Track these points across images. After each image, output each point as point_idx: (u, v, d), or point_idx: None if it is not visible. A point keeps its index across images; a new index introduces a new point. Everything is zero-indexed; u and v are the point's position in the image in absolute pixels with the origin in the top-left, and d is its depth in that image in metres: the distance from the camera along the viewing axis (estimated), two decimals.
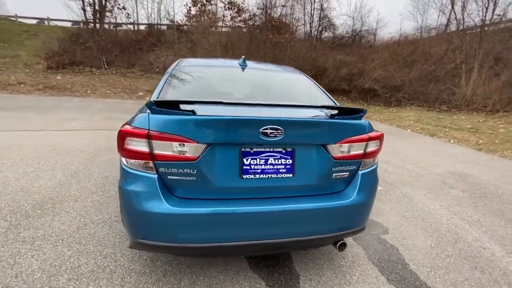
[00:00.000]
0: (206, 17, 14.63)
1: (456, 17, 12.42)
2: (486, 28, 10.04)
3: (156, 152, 1.35)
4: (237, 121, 1.40)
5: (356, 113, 1.61)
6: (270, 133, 1.40)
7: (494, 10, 10.47)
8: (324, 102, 2.01)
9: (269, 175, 1.49)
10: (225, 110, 1.49)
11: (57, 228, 2.31)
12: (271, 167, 1.49)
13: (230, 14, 15.17)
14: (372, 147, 1.67)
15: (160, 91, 1.77)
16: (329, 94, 2.21)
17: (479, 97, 9.93)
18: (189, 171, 1.39)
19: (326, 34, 19.06)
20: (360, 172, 1.66)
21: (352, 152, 1.61)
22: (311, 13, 18.83)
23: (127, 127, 1.38)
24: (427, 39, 14.08)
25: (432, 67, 11.78)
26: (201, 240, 1.42)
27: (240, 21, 15.28)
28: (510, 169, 4.61)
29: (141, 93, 10.43)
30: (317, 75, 14.61)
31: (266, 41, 13.86)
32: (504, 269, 2.14)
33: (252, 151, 1.46)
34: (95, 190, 3.00)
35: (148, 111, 1.39)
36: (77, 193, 2.91)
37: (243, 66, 2.34)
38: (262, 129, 1.39)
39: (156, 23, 16.42)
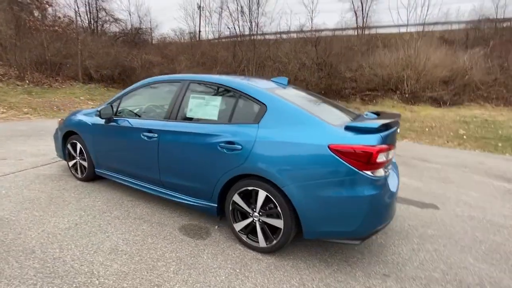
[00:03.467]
0: None
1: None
2: (253, 38, 14.31)
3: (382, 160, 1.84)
4: None
5: None
6: None
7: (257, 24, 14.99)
8: None
9: None
10: None
11: None
12: None
13: None
14: None
15: None
16: None
17: None
18: None
19: (111, 29, 17.30)
20: None
21: None
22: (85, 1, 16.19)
23: (375, 146, 1.74)
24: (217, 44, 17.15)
25: (228, 69, 14.86)
26: None
27: None
28: None
29: None
30: (125, 75, 13.49)
31: (31, 26, 10.66)
32: None
33: None
34: None
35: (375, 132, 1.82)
36: None
37: None
38: None
39: None
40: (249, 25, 15.24)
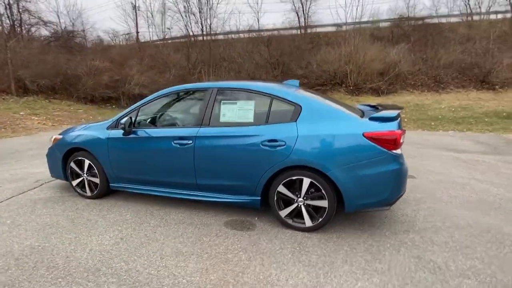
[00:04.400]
0: None
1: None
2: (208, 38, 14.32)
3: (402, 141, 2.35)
4: None
5: None
6: None
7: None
8: None
9: None
10: None
11: None
12: None
13: None
14: None
15: None
16: None
17: None
18: None
19: (41, 33, 15.30)
20: None
21: None
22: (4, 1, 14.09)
23: (397, 131, 2.23)
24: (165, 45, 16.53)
25: (182, 71, 14.56)
26: None
27: None
28: None
29: None
30: (68, 84, 12.26)
31: None
32: None
33: None
34: None
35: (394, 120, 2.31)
36: None
37: None
38: None
39: None
40: (201, 26, 15.15)
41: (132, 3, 22.59)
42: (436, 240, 2.40)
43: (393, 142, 2.26)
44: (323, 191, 2.39)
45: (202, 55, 14.60)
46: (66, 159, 3.33)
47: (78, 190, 3.36)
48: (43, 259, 2.19)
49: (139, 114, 3.02)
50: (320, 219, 2.46)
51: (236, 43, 16.60)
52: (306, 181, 2.42)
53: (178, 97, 3.08)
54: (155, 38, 20.12)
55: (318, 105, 2.50)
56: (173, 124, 3.01)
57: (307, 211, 2.48)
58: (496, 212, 2.90)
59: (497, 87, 12.43)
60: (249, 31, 18.51)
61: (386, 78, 14.28)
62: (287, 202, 2.55)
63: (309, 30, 19.14)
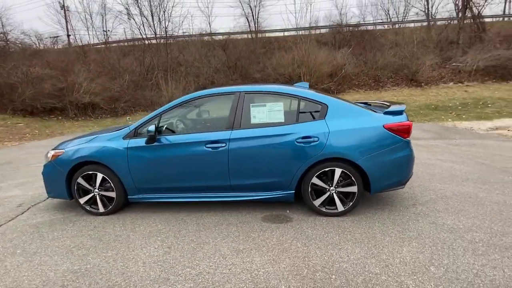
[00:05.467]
0: None
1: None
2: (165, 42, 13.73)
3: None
4: None
5: None
6: None
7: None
8: None
9: None
10: None
11: None
12: None
13: None
14: None
15: None
16: None
17: (176, 98, 13.86)
18: None
19: None
20: None
21: None
22: None
23: (409, 122, 2.67)
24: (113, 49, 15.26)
25: (137, 77, 13.70)
26: None
27: None
28: None
29: None
30: (0, 94, 10.57)
31: None
32: None
33: None
34: None
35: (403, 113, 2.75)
36: None
37: None
38: None
39: None
40: (154, 29, 14.48)
41: (60, 2, 20.37)
42: (438, 208, 2.95)
43: (407, 131, 2.72)
44: (353, 178, 2.73)
45: (157, 60, 13.97)
46: (70, 175, 3.04)
47: (87, 207, 3.09)
48: (96, 280, 2.05)
49: (161, 121, 2.96)
50: (350, 203, 2.80)
51: (190, 46, 16.33)
52: (338, 171, 2.73)
53: (203, 102, 3.10)
54: (96, 41, 18.48)
55: (341, 103, 2.85)
56: (201, 129, 3.02)
57: (339, 197, 2.80)
58: (468, 182, 3.64)
59: (423, 84, 14.78)
60: (201, 34, 18.38)
61: (335, 79, 15.71)
62: (320, 192, 2.82)
63: (260, 35, 19.84)
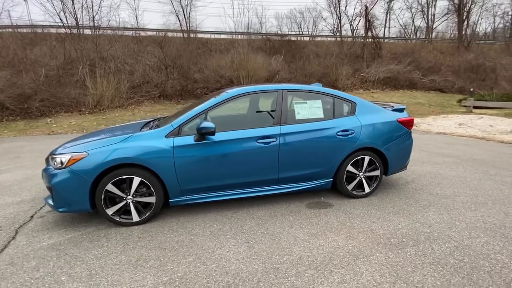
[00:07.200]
0: None
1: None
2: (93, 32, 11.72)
3: None
4: None
5: None
6: None
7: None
8: None
9: None
10: None
11: None
12: None
13: None
14: None
15: None
16: None
17: (107, 97, 12.25)
18: None
19: None
20: None
21: None
22: None
23: (410, 117, 3.39)
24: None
25: (56, 71, 11.36)
26: None
27: None
28: None
29: None
30: None
31: None
32: None
33: None
34: None
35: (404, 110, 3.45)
36: None
37: None
38: None
39: None
40: (75, 17, 12.29)
41: None
42: (426, 183, 3.82)
43: (412, 124, 3.48)
44: (377, 164, 3.29)
45: (80, 53, 11.93)
46: (96, 183, 2.58)
47: (117, 218, 2.68)
48: (203, 283, 1.93)
49: (207, 118, 2.84)
50: (374, 185, 3.36)
51: (118, 41, 14.61)
52: (367, 159, 3.24)
53: (246, 98, 3.09)
54: None
55: (365, 102, 3.37)
56: (246, 125, 3.01)
57: (366, 181, 3.31)
58: (426, 164, 4.77)
59: (341, 90, 17.46)
60: (133, 29, 16.70)
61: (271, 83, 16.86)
62: (351, 177, 3.28)
63: (193, 35, 19.38)
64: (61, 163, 2.57)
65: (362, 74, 18.93)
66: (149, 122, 3.53)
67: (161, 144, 2.68)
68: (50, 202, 2.69)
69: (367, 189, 3.33)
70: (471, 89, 13.24)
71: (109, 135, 2.89)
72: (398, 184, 3.83)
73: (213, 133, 2.68)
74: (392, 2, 25.13)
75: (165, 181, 2.70)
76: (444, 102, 15.21)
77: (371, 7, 21.22)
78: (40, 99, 10.53)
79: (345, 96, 3.32)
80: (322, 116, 3.16)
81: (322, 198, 3.36)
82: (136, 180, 2.65)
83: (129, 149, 2.62)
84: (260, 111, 3.24)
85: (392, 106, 3.62)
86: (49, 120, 10.00)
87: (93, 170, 2.54)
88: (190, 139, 2.73)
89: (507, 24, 25.63)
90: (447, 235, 2.52)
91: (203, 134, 2.69)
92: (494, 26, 28.05)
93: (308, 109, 3.15)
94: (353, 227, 2.67)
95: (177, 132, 2.75)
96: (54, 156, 2.66)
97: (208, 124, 2.65)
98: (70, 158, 2.56)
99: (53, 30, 13.26)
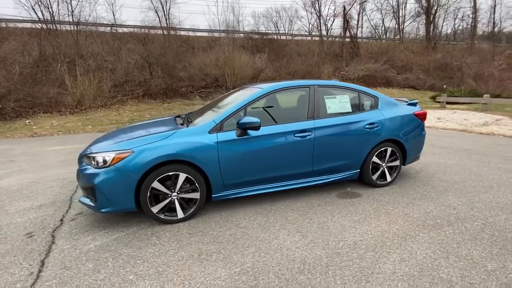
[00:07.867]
0: None
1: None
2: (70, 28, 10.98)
3: None
4: None
5: None
6: None
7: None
8: None
9: None
10: None
11: None
12: None
13: None
14: None
15: None
16: None
17: (88, 97, 11.63)
18: None
19: None
20: None
21: None
22: None
23: (424, 111, 3.65)
24: None
25: (31, 69, 10.54)
26: None
27: None
28: None
29: None
30: None
31: None
32: None
33: None
34: None
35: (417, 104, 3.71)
36: None
37: None
38: None
39: None
40: (51, 11, 11.45)
41: None
42: (432, 171, 4.15)
43: (425, 117, 3.76)
44: (397, 154, 3.53)
45: (58, 49, 11.15)
46: (141, 181, 2.53)
47: (162, 216, 2.65)
48: (280, 269, 1.99)
49: (246, 113, 2.88)
50: (395, 175, 3.60)
51: (97, 37, 13.87)
52: (389, 150, 3.47)
53: (280, 94, 3.16)
54: None
55: (385, 97, 3.60)
56: (282, 119, 3.07)
57: (387, 171, 3.54)
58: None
59: None
60: (114, 25, 15.94)
61: (256, 81, 16.95)
62: (375, 168, 3.49)
63: (174, 32, 18.90)
64: (104, 161, 2.48)
65: (342, 73, 19.62)
66: (175, 118, 3.48)
67: (206, 140, 2.69)
68: (90, 202, 2.59)
69: (389, 178, 3.56)
70: (444, 86, 14.32)
71: (146, 132, 2.83)
72: (410, 173, 4.13)
73: (258, 128, 2.73)
74: (365, 3, 26.36)
75: (209, 176, 2.71)
76: (419, 99, 16.24)
77: (349, 7, 22.08)
78: (15, 98, 9.76)
79: (368, 91, 3.52)
80: (350, 110, 3.33)
81: (349, 189, 3.54)
82: (182, 176, 2.63)
83: (175, 145, 2.59)
84: (293, 106, 3.34)
85: (406, 101, 3.89)
86: (27, 121, 9.30)
87: (140, 167, 2.49)
88: (232, 134, 2.76)
89: (468, 26, 27.92)
90: (472, 215, 2.79)
91: (246, 129, 2.74)
92: (455, 28, 30.44)
93: (338, 104, 3.30)
94: (389, 213, 2.87)
95: (220, 127, 2.77)
96: (92, 155, 2.56)
97: (252, 119, 2.70)
98: (114, 156, 2.48)
99: (27, 25, 12.27)
